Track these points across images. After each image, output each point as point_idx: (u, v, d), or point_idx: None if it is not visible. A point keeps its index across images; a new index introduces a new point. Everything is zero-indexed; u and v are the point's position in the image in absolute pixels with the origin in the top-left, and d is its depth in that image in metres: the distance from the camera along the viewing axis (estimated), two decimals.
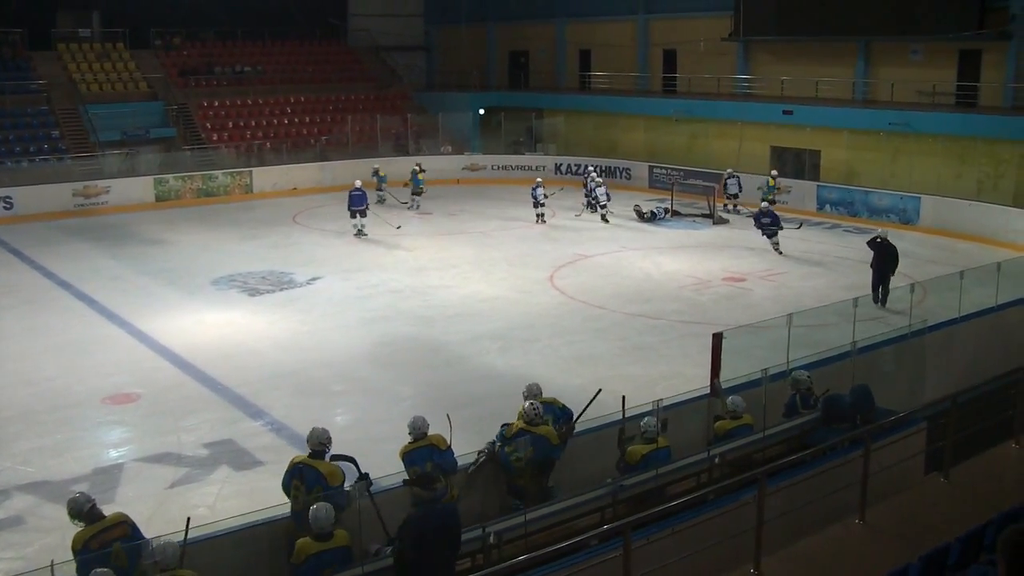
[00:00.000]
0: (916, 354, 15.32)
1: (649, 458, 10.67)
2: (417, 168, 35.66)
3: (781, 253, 27.12)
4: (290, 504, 9.76)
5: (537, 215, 32.24)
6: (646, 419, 11.02)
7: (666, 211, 33.42)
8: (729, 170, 34.94)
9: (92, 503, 8.94)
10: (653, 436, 10.86)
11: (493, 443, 11.06)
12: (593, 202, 33.33)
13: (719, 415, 12.13)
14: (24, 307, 23.15)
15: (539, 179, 33.08)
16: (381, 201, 35.45)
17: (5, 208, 34.26)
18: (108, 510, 12.03)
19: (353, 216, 30.74)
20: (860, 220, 31.55)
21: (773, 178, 32.32)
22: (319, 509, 8.72)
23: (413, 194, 35.25)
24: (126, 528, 8.81)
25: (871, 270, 22.54)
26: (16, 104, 39.82)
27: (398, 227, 31.20)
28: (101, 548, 8.47)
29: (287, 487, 9.89)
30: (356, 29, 51.99)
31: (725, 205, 33.92)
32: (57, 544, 8.72)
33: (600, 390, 11.51)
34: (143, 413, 16.45)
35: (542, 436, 10.86)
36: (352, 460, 10.10)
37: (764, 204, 28.38)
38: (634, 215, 32.91)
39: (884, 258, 22.46)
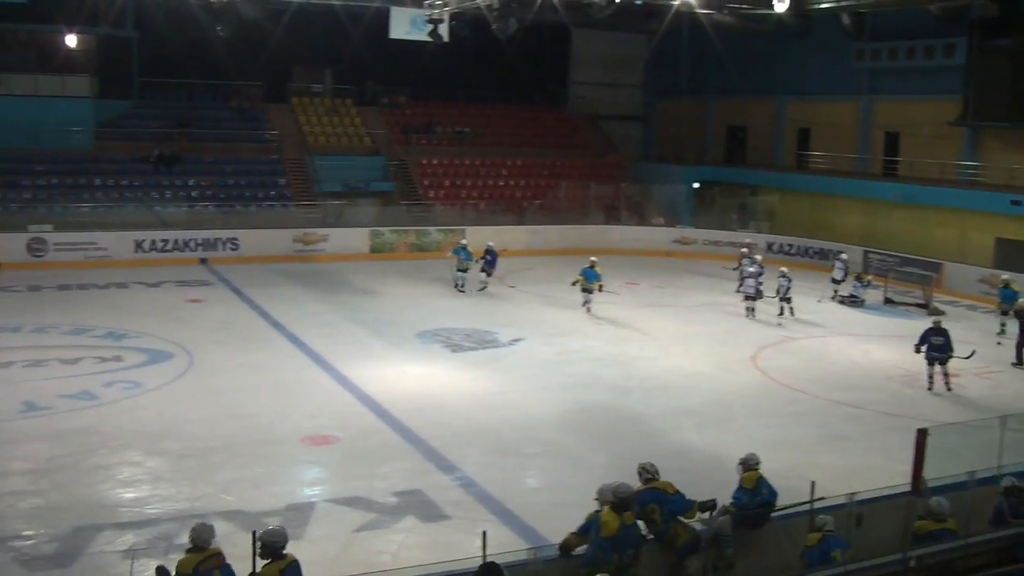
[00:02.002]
0: None
1: (827, 540, 10.34)
2: (593, 262, 29.65)
3: (949, 389, 21.95)
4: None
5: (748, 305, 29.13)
6: (820, 517, 10.68)
7: (857, 278, 32.35)
8: (842, 255, 33.82)
9: (212, 536, 9.67)
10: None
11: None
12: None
13: (920, 515, 11.52)
14: (238, 344, 24.17)
15: (758, 257, 31.47)
16: (460, 284, 31.73)
17: (232, 249, 36.13)
18: (297, 547, 12.41)
19: (483, 270, 31.83)
20: None
21: (1007, 283, 28.57)
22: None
23: (584, 290, 28.91)
24: (222, 559, 9.55)
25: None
26: (250, 152, 42.09)
27: (616, 293, 30.56)
28: (207, 572, 9.35)
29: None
30: (576, 97, 52.68)
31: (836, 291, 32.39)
32: (246, 571, 9.09)
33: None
34: (339, 456, 16.84)
35: (653, 489, 10.80)
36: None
37: (936, 319, 23.64)
38: (840, 302, 31.85)
39: None
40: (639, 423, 19.25)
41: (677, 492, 10.81)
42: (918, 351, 22.18)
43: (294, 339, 24.87)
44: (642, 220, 43.82)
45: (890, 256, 36.16)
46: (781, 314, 29.06)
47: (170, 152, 40.27)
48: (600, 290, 28.92)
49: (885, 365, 24.24)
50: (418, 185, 43.42)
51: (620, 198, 44.42)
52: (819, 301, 31.30)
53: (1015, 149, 37.30)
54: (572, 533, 10.34)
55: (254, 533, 9.37)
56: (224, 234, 36.40)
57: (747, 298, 29.19)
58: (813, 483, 11.03)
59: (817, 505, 11.07)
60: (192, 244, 35.87)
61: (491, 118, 49.57)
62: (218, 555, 9.59)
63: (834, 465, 16.70)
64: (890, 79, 42.56)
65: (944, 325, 22.52)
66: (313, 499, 14.95)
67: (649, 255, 40.38)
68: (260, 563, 9.27)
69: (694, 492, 11.70)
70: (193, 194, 39.31)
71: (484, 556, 9.41)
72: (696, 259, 40.32)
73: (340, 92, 47.73)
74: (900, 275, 33.88)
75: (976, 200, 36.34)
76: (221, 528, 13.13)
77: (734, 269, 32.99)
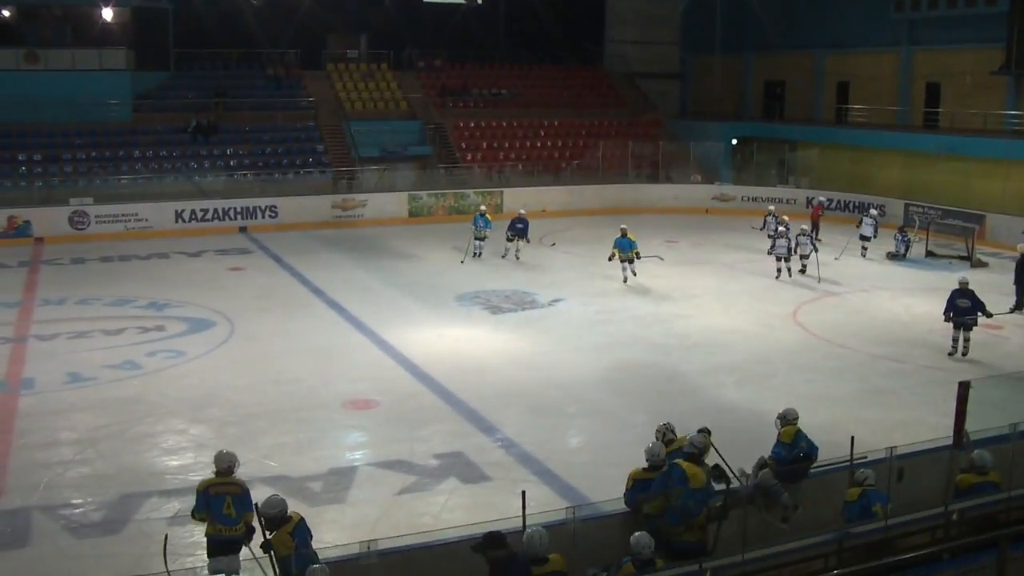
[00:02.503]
0: None
1: (868, 495, 10.34)
2: (624, 230, 27.93)
3: (964, 355, 20.65)
4: None
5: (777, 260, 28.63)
6: (860, 471, 10.67)
7: (900, 231, 32.07)
8: (872, 210, 33.20)
9: (231, 464, 10.53)
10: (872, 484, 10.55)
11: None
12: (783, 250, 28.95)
13: (963, 468, 11.44)
14: (279, 311, 24.31)
15: (785, 217, 30.95)
16: (476, 255, 30.84)
17: (270, 216, 36.29)
18: (339, 510, 12.68)
19: (510, 240, 30.76)
20: None
21: None
22: (534, 534, 8.75)
23: (623, 260, 27.42)
24: (239, 489, 10.34)
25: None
26: (287, 120, 42.20)
27: (660, 258, 29.57)
28: (217, 496, 10.21)
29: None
30: (612, 55, 52.30)
31: (864, 247, 31.74)
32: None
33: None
34: (380, 420, 16.96)
35: (676, 450, 10.94)
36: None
37: (963, 278, 21.65)
38: (885, 258, 31.49)
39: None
40: (679, 381, 19.22)
41: None
42: (948, 318, 20.83)
43: (334, 305, 25.01)
44: (681, 178, 43.48)
45: (931, 208, 35.72)
46: (802, 271, 28.68)
47: (208, 122, 40.45)
48: (638, 257, 27.58)
49: (927, 319, 23.93)
50: (455, 148, 43.40)
51: (658, 156, 44.12)
52: (836, 258, 30.84)
53: None
54: (643, 501, 10.22)
55: (256, 506, 9.62)
56: (263, 202, 36.55)
57: (779, 259, 28.55)
58: (853, 438, 10.98)
59: (857, 460, 11.03)
60: (232, 213, 36.03)
61: (527, 79, 49.37)
62: (236, 484, 10.18)
63: (875, 419, 16.61)
64: (930, 28, 41.95)
65: (971, 286, 21.14)
66: (355, 463, 15.06)
67: (688, 213, 40.19)
68: (268, 533, 9.47)
69: (734, 448, 11.75)
70: (231, 163, 39.57)
71: (524, 516, 9.47)
72: (735, 216, 39.97)
73: (375, 57, 47.69)
74: (942, 227, 33.46)
75: (1020, 150, 35.76)
76: (264, 494, 13.33)
77: (760, 229, 32.72)
